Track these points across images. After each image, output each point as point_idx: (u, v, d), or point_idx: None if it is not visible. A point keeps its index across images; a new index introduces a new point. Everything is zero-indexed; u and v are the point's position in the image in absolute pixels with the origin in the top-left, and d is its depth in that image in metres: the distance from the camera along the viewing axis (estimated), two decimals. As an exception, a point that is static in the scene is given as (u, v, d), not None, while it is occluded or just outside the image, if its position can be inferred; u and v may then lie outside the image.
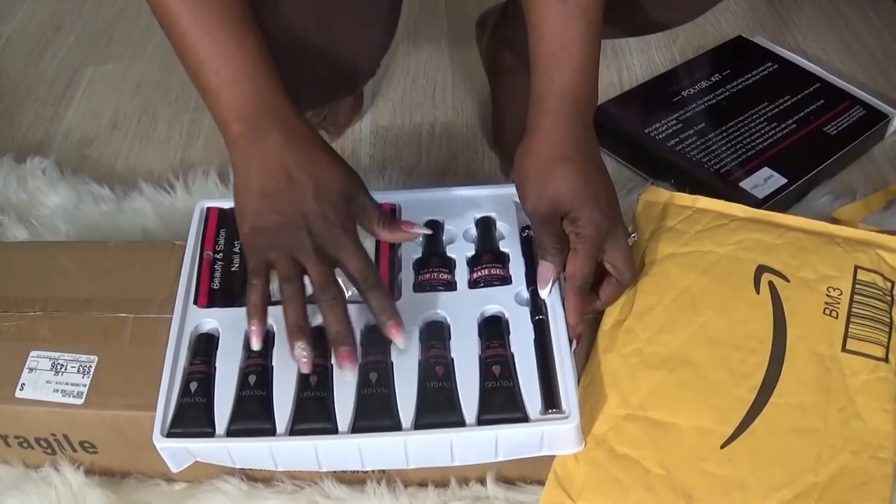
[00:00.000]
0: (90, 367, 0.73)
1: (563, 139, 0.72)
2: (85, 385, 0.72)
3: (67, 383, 0.72)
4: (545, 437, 0.66)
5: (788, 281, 0.73)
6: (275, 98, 0.69)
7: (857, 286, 0.73)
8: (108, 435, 0.73)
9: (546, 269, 0.71)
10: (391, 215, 0.72)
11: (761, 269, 0.74)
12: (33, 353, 0.74)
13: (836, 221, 1.01)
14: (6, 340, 0.76)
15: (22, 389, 0.72)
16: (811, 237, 0.77)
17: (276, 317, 0.74)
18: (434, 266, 0.76)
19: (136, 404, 0.70)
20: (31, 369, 0.73)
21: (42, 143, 1.24)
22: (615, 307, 0.74)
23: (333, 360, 0.67)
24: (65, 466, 0.75)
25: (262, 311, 0.67)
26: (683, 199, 0.81)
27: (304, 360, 0.65)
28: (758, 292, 0.73)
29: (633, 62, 1.32)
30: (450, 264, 0.77)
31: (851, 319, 0.71)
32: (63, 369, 0.73)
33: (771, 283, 0.73)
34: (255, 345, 0.67)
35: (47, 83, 1.36)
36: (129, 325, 0.76)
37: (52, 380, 0.72)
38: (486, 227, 0.80)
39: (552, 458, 0.68)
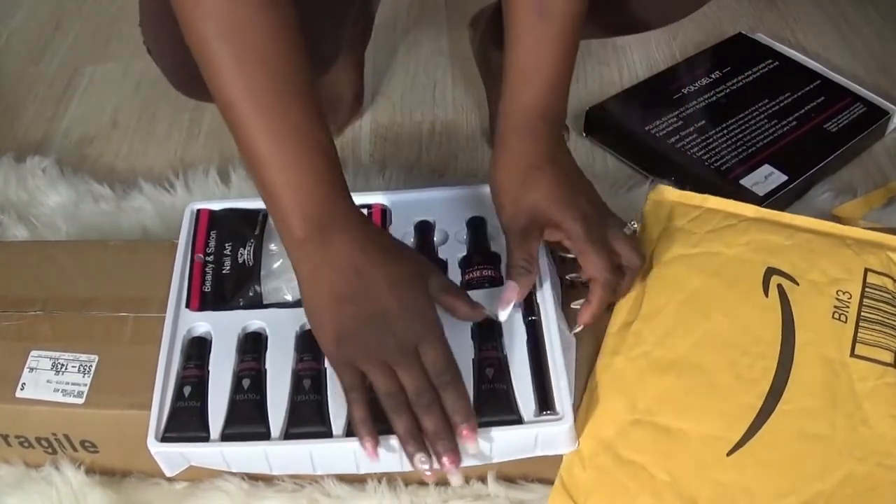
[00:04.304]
0: (91, 366, 0.73)
1: (531, 150, 0.72)
2: (85, 384, 0.72)
3: (68, 383, 0.72)
4: (539, 438, 0.66)
5: (797, 284, 0.72)
6: (338, 199, 0.67)
7: (866, 289, 0.72)
8: (108, 434, 0.73)
9: (511, 289, 0.70)
10: (467, 295, 0.70)
11: (770, 272, 0.73)
12: (34, 353, 0.74)
13: (836, 219, 1.01)
14: (6, 340, 0.76)
15: (23, 389, 0.72)
16: (821, 238, 0.76)
17: (267, 319, 0.74)
18: None
19: (136, 403, 0.70)
20: (31, 369, 0.73)
21: (42, 142, 1.24)
22: (622, 309, 0.74)
23: (434, 462, 0.62)
24: (66, 466, 0.75)
25: (371, 424, 0.63)
26: (692, 198, 0.80)
27: (428, 470, 0.62)
28: (766, 295, 0.72)
29: (633, 59, 1.32)
30: (441, 266, 0.77)
31: (860, 324, 0.70)
32: (63, 369, 0.73)
33: (780, 286, 0.72)
34: (373, 459, 0.63)
35: (47, 82, 1.36)
36: (130, 325, 0.76)
37: (52, 379, 0.72)
38: (477, 227, 0.80)
39: (552, 456, 0.68)
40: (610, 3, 0.91)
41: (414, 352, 0.64)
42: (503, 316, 0.70)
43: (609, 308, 0.75)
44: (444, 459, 0.61)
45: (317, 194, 0.65)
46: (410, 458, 0.62)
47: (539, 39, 0.72)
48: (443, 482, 0.75)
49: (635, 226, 0.74)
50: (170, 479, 0.76)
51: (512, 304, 0.70)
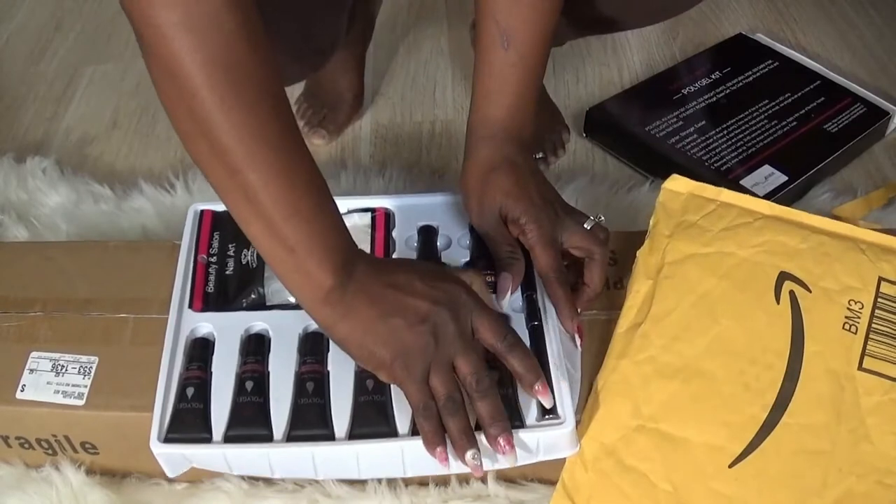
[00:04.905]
0: (91, 367, 0.73)
1: (493, 155, 0.76)
2: (86, 386, 0.72)
3: (68, 384, 0.72)
4: (541, 442, 0.66)
5: (810, 291, 0.71)
6: (346, 232, 0.66)
7: (878, 300, 0.70)
8: (108, 435, 0.73)
9: (504, 279, 0.73)
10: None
11: (783, 277, 0.71)
12: (34, 354, 0.74)
13: (836, 219, 1.01)
14: (6, 341, 0.76)
15: (23, 390, 0.72)
16: (836, 242, 0.74)
17: (271, 321, 0.74)
18: None
19: (136, 405, 0.70)
20: (31, 370, 0.73)
21: (42, 142, 1.24)
22: (631, 309, 0.73)
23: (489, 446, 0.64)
24: (65, 466, 0.75)
25: (443, 435, 0.64)
26: (707, 190, 0.78)
27: (478, 466, 0.63)
28: (778, 302, 0.71)
29: (633, 60, 1.32)
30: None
31: (870, 336, 0.69)
32: (64, 370, 0.73)
33: (792, 293, 0.71)
34: (444, 464, 0.63)
35: (47, 82, 1.36)
36: (130, 326, 0.76)
37: (52, 381, 0.72)
38: None
39: (553, 456, 0.69)
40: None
41: (471, 332, 0.66)
42: (503, 306, 0.73)
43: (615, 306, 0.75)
44: (500, 440, 0.63)
45: (335, 237, 0.64)
46: (462, 454, 0.63)
47: (503, 64, 0.76)
48: (443, 482, 0.75)
49: (601, 218, 0.76)
50: (170, 480, 0.76)
51: (509, 293, 0.73)
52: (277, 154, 0.60)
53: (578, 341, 0.73)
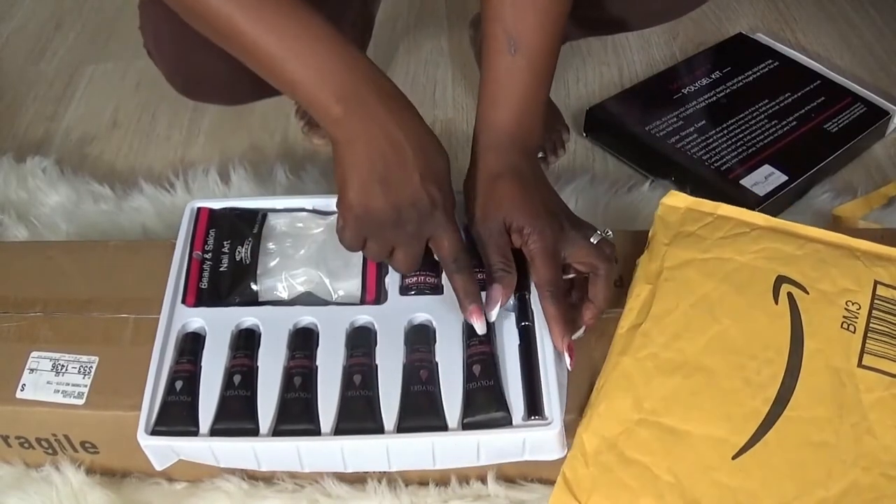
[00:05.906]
0: (91, 367, 0.73)
1: (497, 162, 0.75)
2: (86, 386, 0.72)
3: (68, 384, 0.72)
4: (527, 442, 0.67)
5: (808, 293, 0.72)
6: (366, 68, 0.68)
7: (875, 301, 0.72)
8: (108, 435, 0.73)
9: (495, 290, 0.72)
10: None
11: (781, 280, 0.73)
12: (34, 354, 0.74)
13: (836, 219, 1.01)
14: (7, 341, 0.76)
15: (23, 390, 0.72)
16: (832, 250, 0.75)
17: (262, 316, 0.75)
18: (421, 269, 0.76)
19: (136, 405, 0.70)
20: (31, 370, 0.73)
21: (42, 141, 1.24)
22: (632, 311, 0.74)
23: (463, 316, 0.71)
24: (66, 466, 0.75)
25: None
26: (704, 204, 0.79)
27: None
28: (776, 303, 0.72)
29: (633, 59, 1.32)
30: (436, 268, 0.77)
31: (868, 335, 0.70)
32: (64, 370, 0.73)
33: (790, 294, 0.72)
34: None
35: (47, 82, 1.36)
36: (130, 326, 0.76)
37: (52, 380, 0.72)
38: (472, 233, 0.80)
39: (551, 457, 0.69)
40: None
41: (423, 241, 0.71)
42: (492, 316, 0.72)
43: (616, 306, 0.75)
44: (471, 311, 0.71)
45: (341, 73, 0.66)
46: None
47: (510, 69, 0.75)
48: (443, 481, 0.75)
49: (609, 233, 0.75)
50: (170, 480, 0.76)
51: (499, 305, 0.71)
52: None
53: (568, 361, 0.71)
